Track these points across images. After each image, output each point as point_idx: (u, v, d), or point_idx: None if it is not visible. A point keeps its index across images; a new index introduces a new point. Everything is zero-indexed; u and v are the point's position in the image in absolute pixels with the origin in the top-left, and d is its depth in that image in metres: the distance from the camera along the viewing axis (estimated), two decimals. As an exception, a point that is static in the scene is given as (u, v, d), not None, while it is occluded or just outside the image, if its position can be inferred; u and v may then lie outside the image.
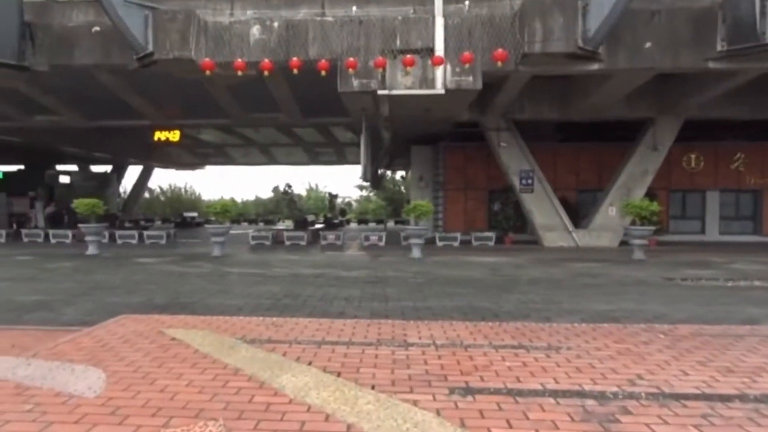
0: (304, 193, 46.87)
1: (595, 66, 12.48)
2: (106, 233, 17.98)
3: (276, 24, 13.14)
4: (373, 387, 3.75)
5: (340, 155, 31.59)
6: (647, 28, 12.41)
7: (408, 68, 12.51)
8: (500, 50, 12.14)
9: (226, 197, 38.31)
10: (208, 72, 12.88)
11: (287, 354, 4.60)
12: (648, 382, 3.87)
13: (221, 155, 32.87)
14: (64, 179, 29.40)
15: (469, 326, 5.69)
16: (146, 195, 41.23)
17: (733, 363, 4.36)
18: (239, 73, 12.85)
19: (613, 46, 12.33)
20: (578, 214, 18.39)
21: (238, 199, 48.07)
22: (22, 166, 29.06)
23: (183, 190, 45.22)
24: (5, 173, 29.32)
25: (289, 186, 32.88)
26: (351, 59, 12.57)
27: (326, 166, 36.13)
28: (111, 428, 3.06)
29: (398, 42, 12.87)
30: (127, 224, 25.15)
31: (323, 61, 12.70)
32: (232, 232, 17.86)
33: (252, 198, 50.67)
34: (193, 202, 41.88)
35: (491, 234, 17.94)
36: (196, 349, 4.74)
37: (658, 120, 16.97)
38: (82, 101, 17.64)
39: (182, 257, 13.78)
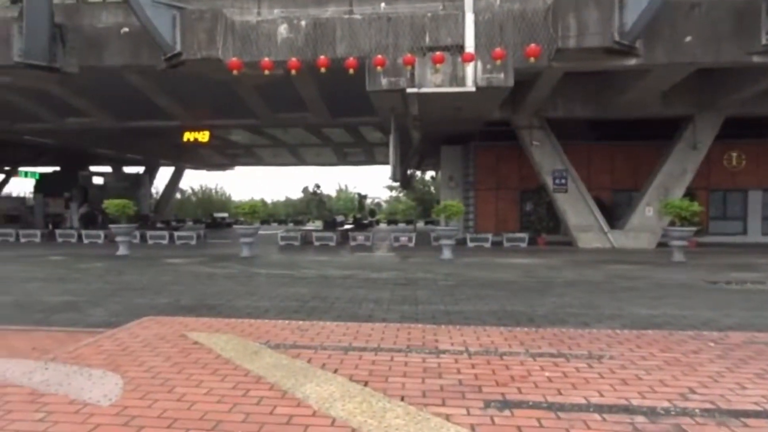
0: (333, 193, 46.99)
1: (632, 61, 11.99)
2: (138, 233, 18.27)
3: (303, 22, 13.03)
4: (402, 398, 3.49)
5: (369, 155, 31.43)
6: (687, 21, 11.86)
7: (437, 66, 12.22)
8: (533, 46, 11.76)
9: (256, 198, 38.75)
10: (235, 72, 12.86)
11: (312, 360, 4.38)
12: (702, 396, 3.51)
13: (250, 156, 33.13)
14: (98, 180, 30.12)
15: (503, 332, 5.38)
16: (178, 196, 41.93)
17: (800, 377, 3.94)
18: (266, 72, 12.79)
19: (651, 40, 11.83)
20: (613, 214, 17.77)
21: (268, 200, 48.63)
22: (57, 168, 29.87)
23: (214, 191, 45.91)
24: (41, 175, 30.26)
25: (318, 186, 32.91)
26: (379, 57, 12.37)
27: (355, 167, 36.02)
28: (123, 440, 2.88)
29: (427, 39, 12.61)
30: (158, 225, 25.55)
31: (351, 59, 12.54)
32: (261, 232, 17.88)
33: (282, 199, 51.14)
34: (223, 202, 42.43)
35: (523, 235, 17.46)
36: (218, 354, 4.57)
37: (697, 117, 16.25)
38: (113, 103, 17.93)
39: (211, 258, 13.80)
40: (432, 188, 40.88)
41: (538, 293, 8.29)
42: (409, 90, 12.45)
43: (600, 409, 3.29)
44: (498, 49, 11.77)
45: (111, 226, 15.28)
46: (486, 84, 12.18)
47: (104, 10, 13.84)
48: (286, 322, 5.88)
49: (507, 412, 3.25)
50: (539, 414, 3.22)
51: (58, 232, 20.12)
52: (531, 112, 16.39)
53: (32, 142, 24.89)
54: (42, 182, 29.46)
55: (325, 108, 17.27)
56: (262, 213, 16.83)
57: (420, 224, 32.41)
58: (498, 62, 11.87)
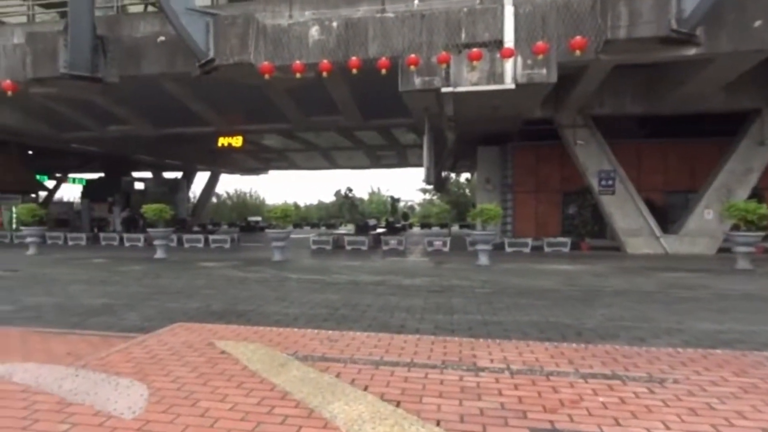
0: (365, 196, 46.89)
1: (691, 51, 11.21)
2: (175, 237, 18.54)
3: (335, 23, 12.92)
4: (438, 423, 3.17)
5: (401, 158, 31.13)
6: (756, 4, 10.95)
7: (474, 63, 11.81)
8: (578, 38, 11.20)
9: (289, 202, 39.05)
10: (267, 75, 12.87)
11: (341, 375, 4.10)
12: (791, 433, 3.02)
13: (284, 160, 33.36)
14: (139, 185, 30.95)
15: (548, 347, 4.95)
16: (214, 200, 42.70)
17: None
18: (298, 75, 12.76)
19: (714, 26, 11.00)
20: (666, 217, 16.76)
21: (301, 204, 49.02)
22: (102, 174, 30.89)
23: (248, 195, 46.60)
24: (88, 181, 31.37)
25: (350, 190, 32.72)
26: (413, 56, 12.09)
27: (387, 169, 35.73)
28: (137, 465, 2.68)
29: (463, 35, 12.26)
30: (195, 228, 25.97)
31: (383, 59, 12.32)
32: (294, 236, 17.84)
33: (314, 202, 51.47)
34: (257, 206, 42.97)
35: (566, 240, 16.68)
36: (245, 365, 4.35)
37: (765, 111, 15.05)
38: (151, 110, 18.29)
39: (244, 262, 13.76)
40: (467, 191, 40.21)
41: (583, 303, 7.77)
42: (444, 89, 12.11)
43: (667, 443, 2.88)
44: (540, 43, 11.28)
45: (149, 230, 15.52)
46: (527, 80, 11.70)
47: (142, 21, 14.18)
48: (315, 331, 5.63)
49: (558, 444, 2.88)
50: (595, 447, 2.83)
51: (101, 235, 20.69)
52: (575, 109, 15.68)
53: (79, 150, 25.79)
54: (88, 188, 30.55)
55: (357, 110, 17.08)
56: (294, 217, 16.74)
57: (454, 228, 31.86)
58: (540, 57, 11.37)
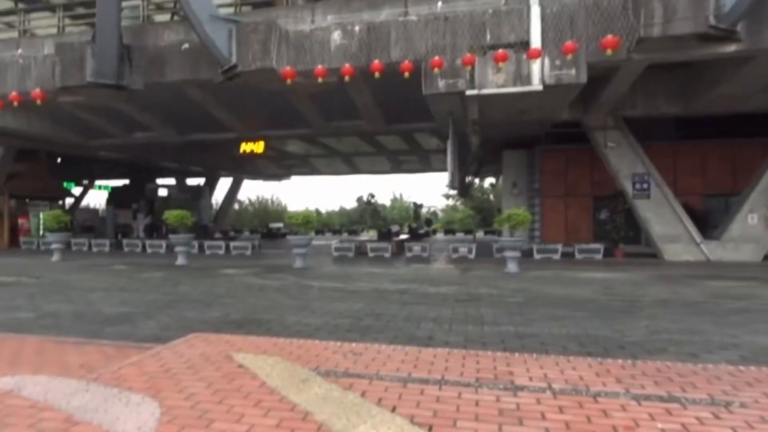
0: (387, 202, 46.62)
1: (731, 48, 10.66)
2: (196, 243, 18.50)
3: (357, 28, 12.77)
4: (477, 452, 2.81)
5: (424, 163, 30.77)
6: (804, -5, 10.37)
7: (500, 64, 11.48)
8: (610, 36, 10.76)
9: (311, 208, 38.99)
10: (289, 81, 12.77)
11: (367, 393, 3.77)
12: None
13: (305, 165, 33.33)
14: (162, 192, 31.24)
15: (592, 364, 4.54)
16: (236, 206, 42.91)
17: None
18: (320, 80, 12.64)
19: (756, 21, 10.43)
20: (706, 222, 15.96)
21: (323, 210, 48.95)
22: (127, 181, 31.29)
23: (270, 201, 46.73)
24: (113, 188, 31.82)
25: (373, 196, 32.49)
26: (436, 58, 11.80)
27: (410, 175, 35.41)
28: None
29: (488, 37, 11.93)
30: (216, 235, 26.02)
31: (406, 62, 12.08)
32: (315, 242, 17.62)
33: (336, 208, 51.37)
34: (279, 212, 43.02)
35: (598, 246, 16.00)
36: (263, 381, 4.05)
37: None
38: (174, 117, 18.39)
39: (264, 269, 13.57)
40: (491, 196, 39.61)
41: (624, 314, 7.30)
42: (469, 92, 11.80)
43: (743, 480, 2.47)
44: (569, 43, 10.87)
45: (170, 236, 15.49)
46: (555, 81, 11.30)
47: (167, 29, 14.28)
48: (338, 344, 5.31)
49: (617, 481, 2.49)
50: (661, 486, 2.44)
51: (125, 241, 20.81)
52: (605, 111, 15.11)
53: (106, 157, 26.16)
54: (113, 195, 30.99)
55: (379, 115, 16.83)
56: (315, 223, 16.52)
57: (479, 234, 31.31)
58: (569, 57, 10.97)
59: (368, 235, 30.33)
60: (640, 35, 10.72)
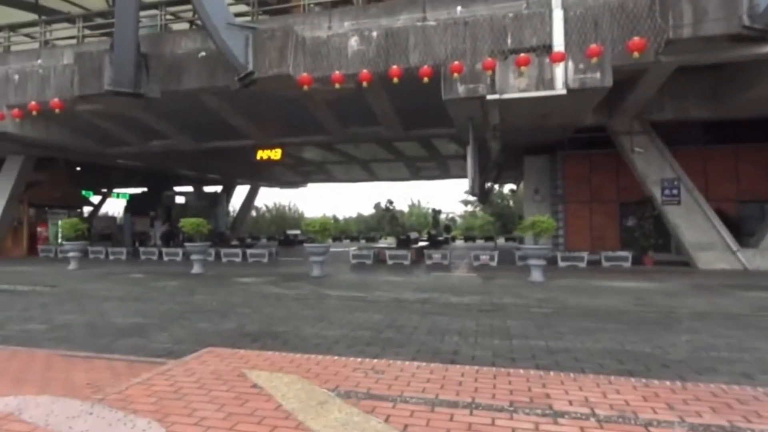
0: (405, 209, 46.27)
1: (765, 49, 10.27)
2: (212, 251, 18.40)
3: (374, 33, 12.63)
4: (519, 493, 2.47)
5: (443, 169, 30.40)
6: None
7: (522, 68, 11.18)
8: (637, 39, 10.42)
9: (328, 215, 38.84)
10: (305, 87, 12.67)
11: (391, 419, 3.45)
12: None
13: (322, 172, 33.22)
14: (180, 199, 31.36)
15: (637, 386, 4.15)
16: (253, 213, 42.98)
17: None
18: (337, 86, 12.51)
19: (791, 22, 9.98)
20: (740, 229, 15.29)
21: (340, 217, 48.81)
22: (145, 189, 31.50)
23: (287, 208, 46.77)
24: (131, 195, 32.07)
25: (391, 202, 32.18)
26: (456, 63, 11.56)
27: (428, 181, 35.02)
28: None
29: (509, 41, 11.68)
30: (233, 242, 25.94)
31: (425, 67, 11.89)
32: (333, 249, 17.37)
33: (354, 215, 51.19)
34: (296, 219, 42.99)
35: (626, 254, 15.43)
36: (279, 403, 3.75)
37: None
38: (191, 125, 18.38)
39: (281, 277, 13.32)
40: (511, 202, 39.08)
41: (661, 327, 6.85)
42: (490, 97, 11.53)
43: None
44: (594, 46, 10.55)
45: (186, 244, 15.37)
46: (579, 85, 10.99)
47: (184, 37, 14.31)
48: (359, 360, 5.00)
49: None
50: None
51: (141, 249, 20.79)
52: (631, 115, 14.63)
53: (124, 166, 26.36)
54: (131, 202, 31.22)
55: (397, 121, 16.57)
56: (333, 230, 16.26)
57: (499, 241, 30.80)
58: (593, 60, 10.64)
59: (386, 242, 29.96)
60: (668, 37, 10.42)
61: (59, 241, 20.39)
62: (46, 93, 14.97)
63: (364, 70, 12.26)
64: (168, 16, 15.60)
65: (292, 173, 33.38)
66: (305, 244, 14.74)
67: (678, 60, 11.19)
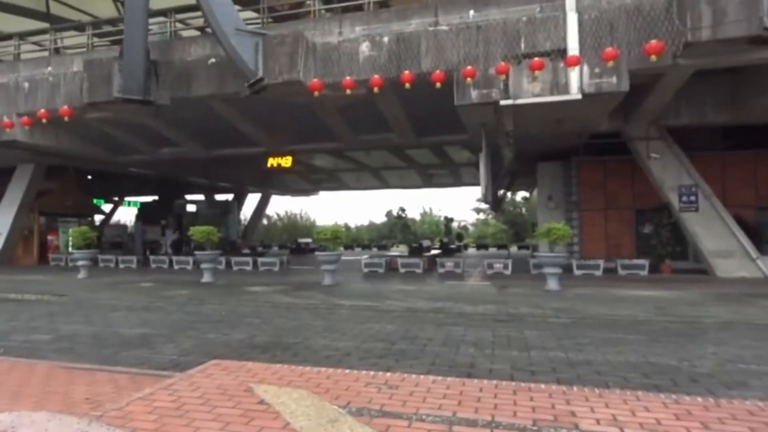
0: (417, 217, 45.99)
1: (786, 51, 9.94)
2: (223, 260, 18.28)
3: (386, 39, 12.53)
4: None
5: (455, 176, 30.17)
6: None
7: (536, 73, 10.99)
8: (654, 42, 10.20)
9: (340, 222, 38.69)
10: (316, 93, 12.57)
11: (407, 439, 3.22)
12: None
13: (334, 180, 33.12)
14: (191, 208, 31.39)
15: (667, 402, 3.89)
16: (264, 221, 42.95)
17: None
18: (348, 92, 12.41)
19: (814, 23, 9.69)
20: (759, 237, 14.91)
21: (352, 225, 48.65)
22: (156, 197, 31.58)
23: (298, 217, 46.72)
24: (142, 204, 32.18)
25: (403, 210, 31.86)
26: (469, 68, 11.39)
27: (440, 189, 34.79)
28: None
29: (523, 45, 11.51)
30: (244, 250, 25.85)
31: (437, 72, 11.73)
32: (345, 258, 17.16)
33: (365, 223, 51.00)
34: (308, 227, 42.90)
35: (643, 262, 15.03)
36: (287, 421, 3.54)
37: None
38: (201, 132, 18.35)
39: (292, 286, 13.14)
40: (524, 210, 38.67)
41: (685, 338, 6.55)
42: (503, 102, 11.34)
43: None
44: (610, 49, 10.32)
45: (196, 252, 15.26)
46: (594, 90, 10.77)
47: (193, 44, 14.29)
48: (371, 374, 4.77)
49: None
50: None
51: (152, 258, 20.75)
52: (647, 120, 14.30)
53: (135, 174, 26.47)
54: (143, 211, 31.29)
55: (409, 127, 16.40)
56: (344, 238, 16.08)
57: (512, 249, 30.43)
58: (609, 64, 10.41)
59: (398, 249, 29.69)
60: (687, 40, 10.17)
61: (69, 249, 20.42)
62: (55, 101, 15.01)
63: (376, 76, 12.16)
64: (177, 24, 15.61)
65: (304, 181, 33.34)
66: (316, 253, 14.54)
67: (696, 63, 10.92)
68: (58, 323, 8.03)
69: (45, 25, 18.38)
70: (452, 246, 28.73)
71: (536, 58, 10.92)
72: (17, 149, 17.13)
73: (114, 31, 16.47)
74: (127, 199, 33.56)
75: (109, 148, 19.85)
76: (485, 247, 35.16)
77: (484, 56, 11.69)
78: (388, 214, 38.92)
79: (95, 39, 16.29)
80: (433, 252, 22.79)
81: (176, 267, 19.13)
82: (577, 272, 14.99)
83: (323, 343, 6.45)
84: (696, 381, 4.72)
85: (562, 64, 10.90)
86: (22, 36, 17.24)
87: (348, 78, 12.30)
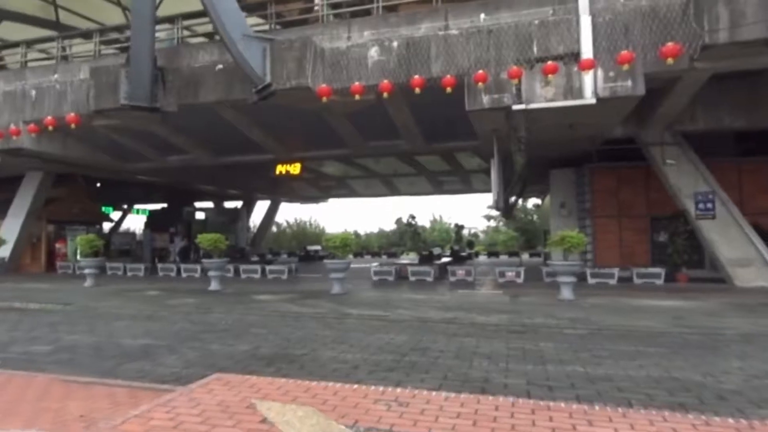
0: (427, 224, 45.65)
1: (807, 54, 9.64)
2: (231, 267, 18.13)
3: (395, 43, 12.34)
4: None
5: (465, 183, 29.83)
6: None
7: (549, 77, 10.74)
8: (671, 44, 9.93)
9: (349, 230, 38.51)
10: (324, 99, 12.40)
11: (418, 464, 2.99)
12: None
13: (343, 187, 32.94)
14: (200, 215, 31.33)
15: (696, 423, 3.62)
16: (274, 229, 42.83)
17: None
18: (357, 97, 12.21)
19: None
20: None
21: (361, 232, 48.37)
22: (165, 205, 31.56)
23: (308, 224, 46.57)
24: (151, 211, 32.17)
25: (413, 217, 31.57)
26: (480, 72, 11.16)
27: (450, 196, 34.39)
28: None
29: (535, 49, 11.27)
30: (253, 258, 25.69)
31: (448, 77, 11.50)
32: (354, 266, 16.93)
33: (375, 230, 50.69)
34: (317, 235, 42.72)
35: (659, 270, 14.62)
36: (290, 442, 3.32)
37: None
38: (209, 139, 18.24)
39: (300, 294, 12.93)
40: (535, 217, 38.22)
41: (708, 351, 6.24)
42: (516, 107, 11.07)
43: None
44: (625, 52, 10.05)
45: (203, 260, 15.11)
46: (609, 94, 10.49)
47: (201, 50, 14.21)
48: (380, 389, 4.54)
49: None
50: None
51: (159, 265, 20.65)
52: (662, 125, 13.94)
53: (144, 181, 26.44)
54: (152, 218, 31.27)
55: (419, 133, 16.18)
56: (354, 246, 15.83)
57: (524, 256, 30.02)
58: (624, 67, 10.13)
59: (408, 257, 29.38)
60: (704, 42, 9.87)
61: (77, 257, 20.41)
62: (62, 108, 14.96)
63: (385, 81, 11.93)
64: (184, 31, 15.56)
65: (313, 188, 33.20)
66: (325, 260, 14.33)
67: (714, 66, 10.62)
68: (59, 333, 7.87)
69: (54, 33, 18.45)
70: (463, 253, 28.42)
71: (549, 62, 10.66)
72: (24, 157, 17.09)
73: (121, 38, 16.42)
74: (135, 206, 33.58)
75: (116, 156, 19.81)
76: (496, 254, 34.74)
77: (495, 60, 11.44)
78: (398, 221, 38.67)
79: (102, 46, 16.27)
80: (444, 260, 22.48)
81: (184, 275, 19.01)
82: (591, 281, 14.62)
83: (331, 355, 6.23)
84: (723, 398, 4.45)
85: (575, 68, 10.63)
86: (29, 44, 17.27)
87: (357, 83, 12.12)
